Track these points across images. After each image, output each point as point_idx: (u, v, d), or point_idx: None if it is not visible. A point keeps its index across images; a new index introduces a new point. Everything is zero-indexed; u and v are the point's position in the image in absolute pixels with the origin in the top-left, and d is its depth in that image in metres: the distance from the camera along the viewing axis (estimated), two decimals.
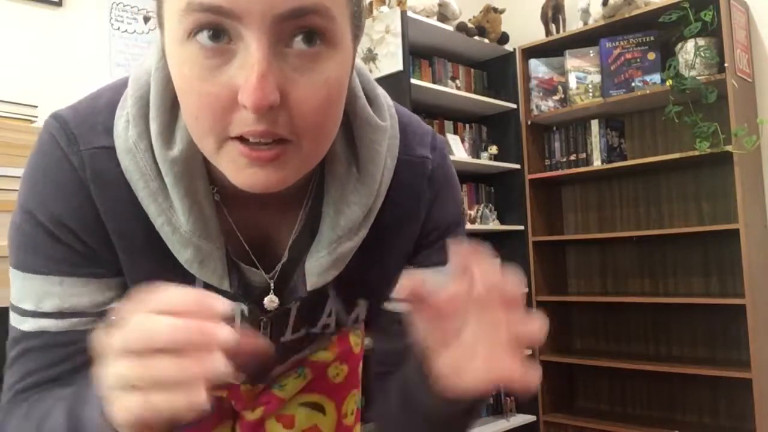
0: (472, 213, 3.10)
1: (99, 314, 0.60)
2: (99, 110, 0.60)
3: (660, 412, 3.02)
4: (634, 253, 3.14)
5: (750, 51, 2.76)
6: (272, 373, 0.79)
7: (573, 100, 3.13)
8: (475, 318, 0.48)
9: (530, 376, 0.45)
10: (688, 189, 2.97)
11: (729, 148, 2.54)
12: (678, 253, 2.99)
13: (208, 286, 0.61)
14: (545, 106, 3.22)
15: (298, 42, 0.47)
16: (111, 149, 0.57)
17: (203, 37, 0.47)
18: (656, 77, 2.88)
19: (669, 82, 2.65)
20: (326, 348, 0.86)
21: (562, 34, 3.16)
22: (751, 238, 2.55)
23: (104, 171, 0.57)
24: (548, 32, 3.22)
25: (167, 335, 0.39)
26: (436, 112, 3.16)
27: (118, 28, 2.44)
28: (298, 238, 0.64)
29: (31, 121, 1.95)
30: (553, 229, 3.35)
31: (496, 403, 3.20)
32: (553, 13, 3.20)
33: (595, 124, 3.11)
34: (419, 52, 3.05)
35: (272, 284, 0.64)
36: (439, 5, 2.92)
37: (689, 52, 2.67)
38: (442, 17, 2.97)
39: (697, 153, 2.63)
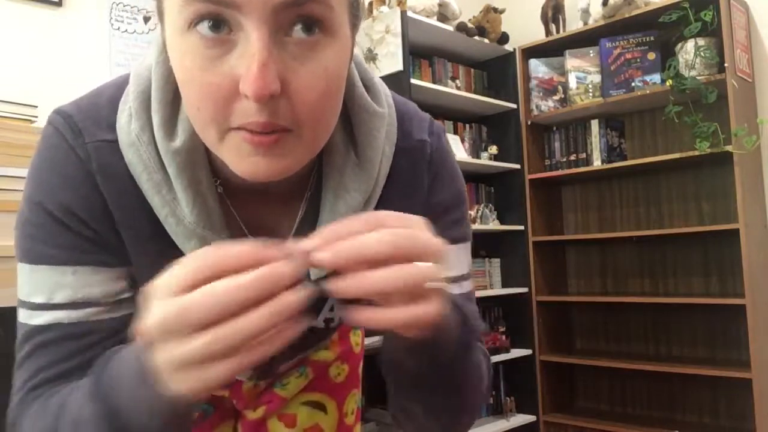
0: (472, 213, 3.10)
1: (111, 305, 0.60)
2: (101, 106, 0.60)
3: (660, 412, 3.02)
4: (634, 253, 3.14)
5: (750, 51, 2.76)
6: (277, 370, 0.80)
7: (573, 100, 3.13)
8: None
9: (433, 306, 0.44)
10: (688, 189, 2.97)
11: (729, 148, 2.54)
12: (678, 253, 3.00)
13: None
14: (545, 106, 3.22)
15: (298, 31, 0.48)
16: (114, 143, 0.58)
17: (204, 27, 0.47)
18: (656, 77, 2.88)
19: (669, 82, 2.65)
20: (327, 348, 0.87)
21: (562, 34, 3.16)
22: (751, 238, 2.55)
23: (109, 164, 0.58)
24: (548, 32, 3.22)
25: (233, 298, 0.39)
26: (436, 112, 3.16)
27: (118, 28, 2.44)
28: (299, 228, 0.64)
29: (31, 121, 1.95)
30: (553, 229, 3.35)
31: (496, 403, 3.20)
32: (553, 13, 3.20)
33: (595, 124, 3.11)
34: (419, 52, 3.05)
35: None
36: (439, 5, 2.92)
37: (689, 52, 2.67)
38: (442, 17, 2.98)
39: (697, 153, 2.63)
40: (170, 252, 0.59)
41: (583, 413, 3.14)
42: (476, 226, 3.05)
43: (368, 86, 0.65)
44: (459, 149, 3.11)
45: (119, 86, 0.61)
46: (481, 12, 3.19)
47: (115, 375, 0.48)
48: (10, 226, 1.99)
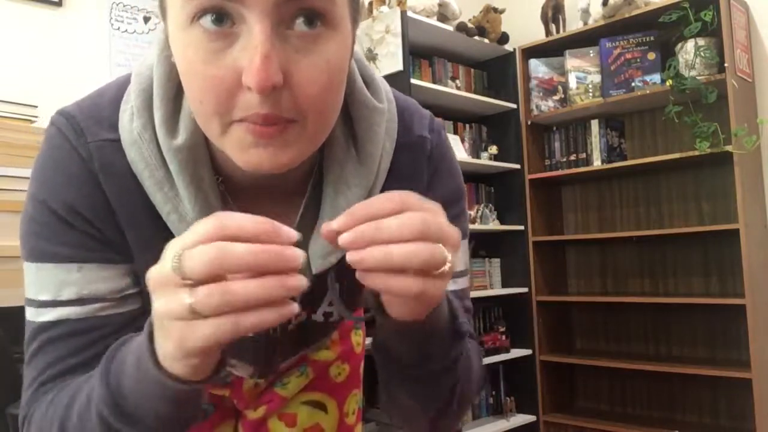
0: (472, 213, 3.10)
1: (117, 300, 0.61)
2: (103, 106, 0.61)
3: (660, 412, 3.02)
4: (634, 253, 3.14)
5: (750, 51, 2.76)
6: (278, 368, 0.80)
7: (573, 100, 3.13)
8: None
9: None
10: (688, 189, 2.98)
11: (729, 148, 2.54)
12: (678, 253, 3.00)
13: None
14: (545, 106, 3.22)
15: (300, 24, 0.48)
16: (117, 142, 0.59)
17: (206, 21, 0.48)
18: (656, 77, 2.88)
19: (669, 82, 2.65)
20: (328, 347, 0.87)
21: (562, 34, 3.16)
22: (751, 238, 2.55)
23: (111, 163, 0.58)
24: (548, 32, 3.22)
25: (248, 259, 0.39)
26: (436, 112, 3.15)
27: (118, 28, 2.44)
28: (300, 224, 0.65)
29: (31, 121, 1.95)
30: (553, 229, 3.35)
31: (496, 403, 3.20)
32: (553, 13, 3.20)
33: (595, 124, 3.11)
34: (419, 52, 3.05)
35: None
36: (439, 5, 2.92)
37: (689, 52, 2.67)
38: (442, 17, 2.98)
39: (697, 153, 2.63)
40: None
41: (583, 413, 3.14)
42: (476, 226, 3.05)
43: (368, 82, 0.65)
44: (459, 149, 3.11)
45: (121, 86, 0.62)
46: (481, 12, 3.19)
47: (121, 359, 0.50)
48: (11, 226, 1.99)
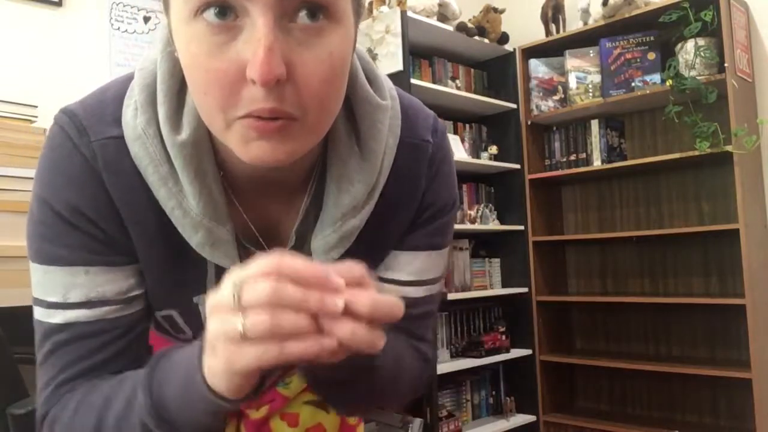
0: (472, 213, 3.10)
1: (124, 302, 0.61)
2: (107, 102, 0.61)
3: (660, 412, 3.02)
4: (634, 253, 3.14)
5: (750, 51, 2.76)
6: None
7: (573, 100, 3.13)
8: None
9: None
10: (688, 189, 2.98)
11: (729, 148, 2.54)
12: (678, 253, 3.00)
13: (219, 269, 0.62)
14: (545, 106, 3.22)
15: (302, 17, 0.48)
16: (120, 139, 0.58)
17: (210, 14, 0.48)
18: (656, 77, 2.88)
19: (669, 82, 2.65)
20: None
21: (562, 34, 3.16)
22: (751, 238, 2.55)
23: (115, 160, 0.58)
24: (548, 32, 3.22)
25: (298, 302, 0.41)
26: (436, 112, 3.10)
27: (118, 28, 2.44)
28: (303, 220, 0.65)
29: (31, 121, 1.95)
30: (553, 229, 3.35)
31: (496, 403, 3.20)
32: (553, 13, 3.20)
33: (595, 124, 3.11)
34: (419, 52, 3.05)
35: None
36: (439, 5, 2.92)
37: (689, 52, 2.67)
38: (442, 17, 2.97)
39: (697, 153, 2.63)
40: (177, 246, 0.60)
41: (583, 413, 3.14)
42: (476, 226, 3.05)
43: (371, 79, 0.65)
44: (459, 149, 3.11)
45: (125, 82, 0.62)
46: (481, 12, 3.19)
47: (166, 370, 0.52)
48: (11, 226, 1.99)
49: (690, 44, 2.66)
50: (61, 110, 0.61)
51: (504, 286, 3.26)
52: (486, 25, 3.13)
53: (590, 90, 3.10)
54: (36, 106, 1.98)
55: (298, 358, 0.42)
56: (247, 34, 0.47)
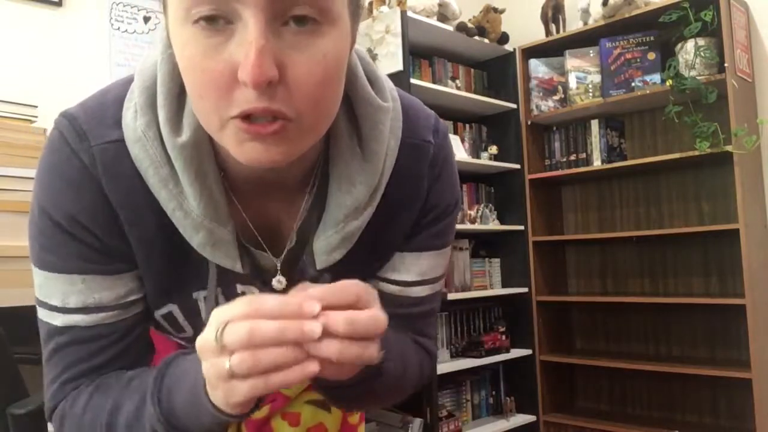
0: (472, 213, 3.10)
1: (122, 307, 0.63)
2: (107, 105, 0.61)
3: (660, 412, 3.02)
4: (634, 253, 3.14)
5: (750, 51, 2.76)
6: None
7: (573, 100, 3.13)
8: None
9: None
10: (688, 189, 2.98)
11: (729, 148, 2.54)
12: (678, 253, 3.00)
13: (221, 269, 0.62)
14: (545, 106, 3.22)
15: (293, 20, 0.48)
16: (121, 142, 0.58)
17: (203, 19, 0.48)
18: (656, 77, 2.88)
19: (669, 82, 2.65)
20: None
21: (562, 34, 3.16)
22: (751, 238, 2.55)
23: (115, 164, 0.58)
24: (548, 32, 3.22)
25: (275, 335, 0.45)
26: (436, 112, 3.13)
27: (118, 28, 2.44)
28: (305, 221, 0.65)
29: (31, 121, 1.95)
30: (553, 229, 3.35)
31: (496, 403, 3.20)
32: (553, 13, 3.20)
33: (595, 124, 3.11)
34: (419, 52, 3.05)
35: (279, 265, 0.66)
36: (439, 5, 2.92)
37: (689, 52, 2.67)
38: (442, 17, 2.97)
39: (697, 153, 2.63)
40: (178, 247, 0.61)
41: (583, 413, 3.14)
42: (476, 226, 3.05)
43: (372, 80, 0.65)
44: (459, 149, 3.11)
45: (125, 85, 0.62)
46: (481, 12, 3.19)
47: (174, 380, 0.56)
48: (11, 226, 1.98)
49: (690, 44, 2.66)
50: (61, 114, 0.61)
51: (504, 286, 3.26)
52: (486, 25, 3.13)
53: (590, 90, 3.10)
54: (36, 106, 1.98)
55: (286, 385, 0.46)
56: (239, 37, 0.48)
